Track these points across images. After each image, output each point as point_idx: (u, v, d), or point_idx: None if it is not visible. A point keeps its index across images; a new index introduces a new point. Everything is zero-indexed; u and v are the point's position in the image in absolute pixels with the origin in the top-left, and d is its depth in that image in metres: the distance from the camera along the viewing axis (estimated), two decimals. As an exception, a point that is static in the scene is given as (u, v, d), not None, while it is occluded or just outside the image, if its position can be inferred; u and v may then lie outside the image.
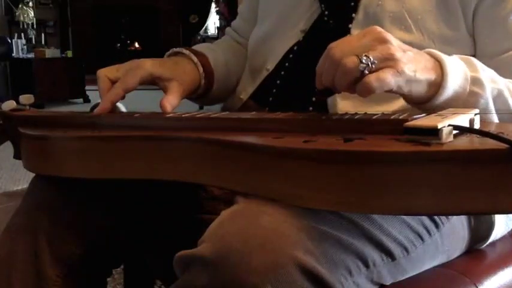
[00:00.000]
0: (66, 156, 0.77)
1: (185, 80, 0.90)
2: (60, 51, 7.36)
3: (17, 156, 0.88)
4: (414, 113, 0.65)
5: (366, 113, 0.70)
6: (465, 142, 0.55)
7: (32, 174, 0.86)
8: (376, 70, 0.62)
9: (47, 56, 6.83)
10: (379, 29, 0.66)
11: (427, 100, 0.68)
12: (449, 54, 0.76)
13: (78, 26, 8.38)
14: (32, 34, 7.75)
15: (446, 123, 0.55)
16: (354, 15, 0.86)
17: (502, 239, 0.90)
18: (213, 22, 9.43)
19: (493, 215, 0.84)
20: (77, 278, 0.81)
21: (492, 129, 0.57)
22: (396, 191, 0.52)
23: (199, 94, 0.96)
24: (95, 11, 8.46)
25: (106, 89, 0.85)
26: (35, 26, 7.84)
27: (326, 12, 0.90)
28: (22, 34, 7.55)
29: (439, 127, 0.53)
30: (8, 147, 0.90)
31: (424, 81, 0.66)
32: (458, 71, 0.69)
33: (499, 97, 0.71)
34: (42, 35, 8.04)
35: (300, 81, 0.85)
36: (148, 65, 0.87)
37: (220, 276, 0.57)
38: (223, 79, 0.99)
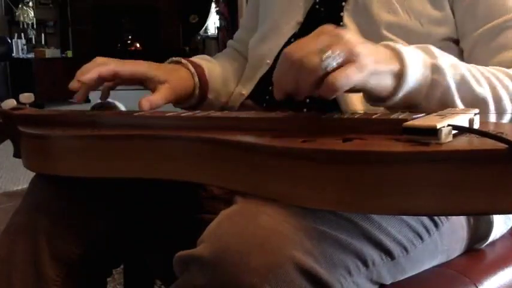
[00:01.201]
0: (65, 155, 0.77)
1: (178, 85, 0.92)
2: (60, 51, 7.37)
3: (16, 154, 0.88)
4: (414, 112, 0.65)
5: (365, 112, 0.70)
6: (464, 142, 0.55)
7: (32, 174, 0.86)
8: (338, 67, 0.60)
9: (47, 56, 6.84)
10: (331, 26, 0.63)
11: (391, 93, 0.66)
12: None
13: (78, 26, 8.37)
14: (32, 34, 7.75)
15: (445, 123, 0.55)
16: (344, 3, 0.88)
17: (502, 238, 0.90)
18: (213, 22, 9.42)
19: (492, 215, 0.84)
20: (77, 277, 0.81)
21: (491, 129, 0.56)
22: (395, 191, 0.52)
23: (193, 104, 0.98)
24: (95, 11, 8.45)
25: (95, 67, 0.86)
26: (35, 26, 7.84)
27: (317, 1, 0.92)
28: (22, 34, 7.55)
29: (438, 127, 0.53)
30: (8, 146, 0.90)
31: (387, 72, 0.65)
32: (417, 59, 0.67)
33: (462, 82, 0.70)
34: (42, 35, 8.04)
35: None
36: (145, 65, 0.90)
37: (219, 276, 0.57)
38: (219, 89, 1.01)
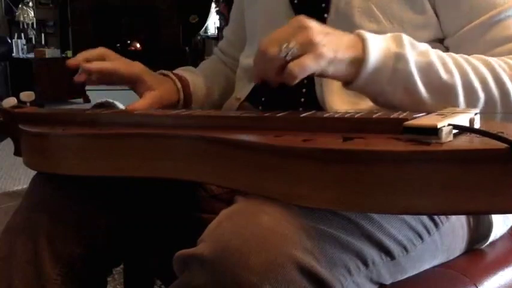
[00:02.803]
0: (65, 154, 0.77)
1: (165, 96, 0.95)
2: (60, 51, 7.36)
3: (17, 153, 0.88)
4: (414, 112, 0.65)
5: (366, 112, 0.70)
6: (465, 142, 0.55)
7: (32, 174, 0.86)
8: (298, 57, 0.66)
9: (47, 56, 6.83)
10: (301, 17, 0.69)
11: (353, 78, 0.70)
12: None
13: (78, 26, 8.37)
14: (32, 34, 7.74)
15: (446, 122, 0.55)
16: (326, 15, 0.88)
17: (502, 238, 0.90)
18: (213, 22, 9.43)
19: (491, 215, 0.84)
20: (77, 277, 0.81)
21: (492, 129, 0.56)
22: (395, 191, 0.52)
23: None
24: (95, 11, 8.45)
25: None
26: (35, 26, 7.83)
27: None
28: (22, 34, 7.54)
29: (438, 126, 0.53)
30: (8, 146, 0.90)
31: (346, 60, 0.69)
32: (380, 47, 0.70)
33: (428, 69, 0.71)
34: (42, 35, 8.03)
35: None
36: (141, 68, 0.93)
37: (219, 276, 0.57)
38: (202, 101, 1.04)
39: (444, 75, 0.71)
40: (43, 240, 0.80)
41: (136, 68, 0.92)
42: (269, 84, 0.70)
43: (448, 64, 0.72)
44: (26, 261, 0.80)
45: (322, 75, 0.70)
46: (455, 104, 0.72)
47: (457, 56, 0.74)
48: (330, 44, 0.67)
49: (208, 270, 0.58)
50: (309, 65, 0.66)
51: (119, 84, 0.92)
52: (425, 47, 0.73)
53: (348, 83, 0.72)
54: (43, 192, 0.84)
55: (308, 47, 0.66)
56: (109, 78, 0.90)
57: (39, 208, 0.82)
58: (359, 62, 0.69)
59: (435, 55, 0.72)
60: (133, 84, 0.92)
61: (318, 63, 0.66)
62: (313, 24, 0.68)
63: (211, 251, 0.58)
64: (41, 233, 0.80)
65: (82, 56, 0.89)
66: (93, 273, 0.85)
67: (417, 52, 0.71)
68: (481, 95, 0.72)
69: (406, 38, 0.72)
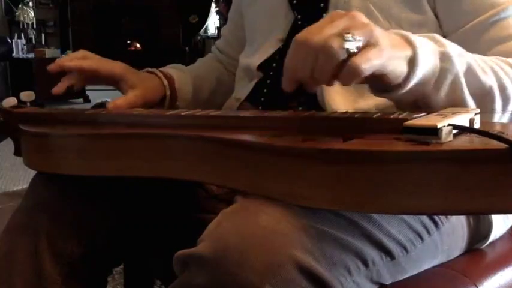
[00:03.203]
0: (65, 154, 0.77)
1: (148, 93, 0.95)
2: (60, 51, 7.36)
3: (17, 153, 0.88)
4: (414, 112, 0.65)
5: (366, 112, 0.70)
6: (465, 142, 0.55)
7: (32, 174, 0.86)
8: (358, 51, 0.58)
9: (47, 56, 6.83)
10: (342, 11, 0.61)
11: (405, 80, 0.64)
12: None
13: (78, 26, 8.37)
14: (32, 34, 7.74)
15: (445, 122, 0.55)
16: (324, 15, 0.87)
17: (502, 238, 0.90)
18: (213, 22, 9.43)
19: (491, 215, 0.84)
20: (78, 276, 0.81)
21: (492, 129, 0.56)
22: (395, 190, 0.52)
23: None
24: (95, 11, 8.45)
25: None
26: (35, 26, 7.83)
27: (299, 17, 0.92)
28: (22, 34, 7.54)
29: (438, 126, 0.53)
30: (8, 146, 0.90)
31: (402, 57, 0.63)
32: (426, 46, 0.66)
33: (468, 71, 0.69)
34: (42, 35, 8.03)
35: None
36: (123, 67, 0.93)
37: (219, 275, 0.57)
38: (189, 99, 1.04)
39: (482, 76, 0.70)
40: (43, 240, 0.80)
41: (117, 67, 0.93)
42: (305, 89, 0.62)
43: (481, 65, 0.71)
44: (26, 261, 0.80)
45: (381, 73, 0.61)
46: (492, 106, 0.71)
47: (483, 57, 0.73)
48: (386, 38, 0.61)
49: (208, 270, 0.58)
50: (375, 59, 0.58)
51: (102, 84, 0.94)
52: (458, 47, 0.71)
53: (393, 87, 0.65)
54: (43, 192, 0.84)
55: (370, 40, 0.58)
56: (91, 78, 0.92)
57: (39, 208, 0.82)
58: (412, 60, 0.64)
59: (470, 56, 0.71)
60: (116, 83, 0.93)
61: (381, 58, 0.59)
62: (363, 17, 0.60)
63: (211, 250, 0.58)
64: (41, 233, 0.80)
65: (62, 60, 0.90)
66: (93, 273, 0.85)
67: (457, 52, 0.69)
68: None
69: (442, 38, 0.70)
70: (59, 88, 0.89)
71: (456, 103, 0.68)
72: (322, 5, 0.88)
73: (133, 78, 0.93)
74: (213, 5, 8.93)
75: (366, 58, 0.57)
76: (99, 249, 0.84)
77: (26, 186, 0.87)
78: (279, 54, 0.93)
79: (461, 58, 0.69)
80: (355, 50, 0.57)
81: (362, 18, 0.60)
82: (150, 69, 1.01)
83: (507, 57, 0.76)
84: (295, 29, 0.92)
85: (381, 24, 0.82)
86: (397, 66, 0.63)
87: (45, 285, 0.79)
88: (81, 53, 0.92)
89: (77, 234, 0.81)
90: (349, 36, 0.57)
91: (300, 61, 0.59)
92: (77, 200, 0.83)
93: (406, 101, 0.68)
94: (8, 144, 0.91)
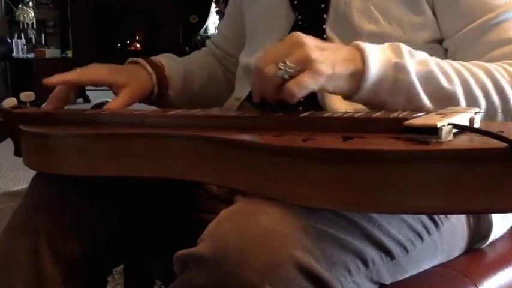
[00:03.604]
0: (65, 154, 0.77)
1: (139, 86, 0.95)
2: (60, 51, 7.37)
3: (17, 153, 0.88)
4: (414, 111, 0.65)
5: (366, 111, 0.70)
6: (465, 141, 0.55)
7: (32, 174, 0.86)
8: (297, 74, 0.65)
9: (47, 56, 6.84)
10: (296, 34, 0.68)
11: (354, 91, 0.69)
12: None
13: (78, 26, 8.37)
14: (32, 34, 7.75)
15: (445, 122, 0.55)
16: (325, 16, 0.88)
17: (502, 238, 0.90)
18: (213, 22, 9.42)
19: (491, 214, 0.84)
20: (77, 276, 0.81)
21: (492, 128, 0.56)
22: (395, 190, 0.52)
23: (154, 99, 1.00)
24: (95, 11, 8.45)
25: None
26: (35, 26, 7.84)
27: (300, 17, 0.92)
28: (22, 34, 7.55)
29: (438, 126, 0.53)
30: (8, 146, 0.90)
31: (345, 75, 0.68)
32: (379, 58, 0.69)
33: (429, 78, 0.71)
34: (42, 35, 8.04)
35: None
36: (105, 71, 0.93)
37: (219, 275, 0.57)
38: (180, 87, 1.03)
39: (445, 83, 0.71)
40: (43, 240, 0.80)
41: (97, 74, 0.93)
42: (269, 103, 0.69)
43: (448, 72, 0.72)
44: (26, 261, 0.80)
45: (322, 90, 0.69)
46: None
47: (457, 64, 0.74)
48: (327, 59, 0.66)
49: (208, 270, 0.58)
50: (307, 83, 0.65)
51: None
52: (424, 55, 0.73)
53: (348, 96, 0.71)
54: (43, 192, 0.84)
55: (305, 64, 0.65)
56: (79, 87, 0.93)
57: (39, 208, 0.82)
58: (359, 75, 0.68)
59: (434, 63, 0.72)
60: (105, 86, 0.94)
61: (317, 80, 0.65)
62: (309, 40, 0.67)
63: (211, 250, 0.58)
64: (41, 233, 0.80)
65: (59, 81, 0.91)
66: (93, 273, 0.85)
67: (417, 61, 0.71)
68: (482, 102, 0.72)
69: (404, 47, 0.71)
70: (48, 106, 0.91)
71: (417, 108, 0.70)
72: (322, 5, 0.88)
73: (120, 78, 0.93)
74: (213, 5, 8.92)
75: (298, 82, 0.65)
76: (99, 249, 0.84)
77: (26, 186, 0.87)
78: None
79: (422, 66, 0.71)
80: (287, 76, 0.65)
81: (305, 42, 0.66)
82: (134, 58, 1.00)
83: (508, 59, 0.76)
84: (295, 29, 0.92)
85: (382, 26, 0.82)
86: (338, 84, 0.68)
87: (45, 285, 0.79)
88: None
89: (77, 234, 0.81)
90: (282, 65, 0.65)
91: (254, 80, 0.70)
92: (77, 200, 0.83)
93: (370, 107, 0.72)
94: (8, 144, 0.91)
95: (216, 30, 9.18)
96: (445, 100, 0.70)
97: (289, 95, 0.65)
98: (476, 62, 0.76)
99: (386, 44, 0.72)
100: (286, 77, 0.65)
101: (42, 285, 0.79)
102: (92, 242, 0.82)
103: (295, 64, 0.65)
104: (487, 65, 0.75)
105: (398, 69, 0.69)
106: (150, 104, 1.02)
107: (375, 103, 0.71)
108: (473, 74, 0.73)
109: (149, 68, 0.98)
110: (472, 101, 0.72)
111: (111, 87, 0.93)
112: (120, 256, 0.91)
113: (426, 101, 0.70)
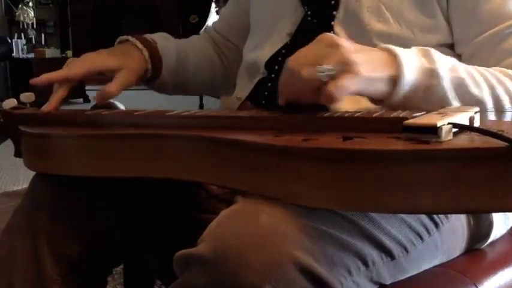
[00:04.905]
0: (66, 154, 0.77)
1: (133, 67, 0.94)
2: (60, 51, 7.37)
3: (17, 154, 0.88)
4: (414, 111, 0.65)
5: (366, 111, 0.70)
6: (465, 140, 0.55)
7: (32, 174, 0.86)
8: (336, 76, 0.64)
9: (47, 56, 6.84)
10: (329, 35, 0.68)
11: (388, 96, 0.69)
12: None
13: (78, 26, 8.38)
14: (32, 34, 7.75)
15: (445, 121, 0.55)
16: (335, 12, 0.87)
17: (502, 238, 0.90)
18: (212, 22, 9.43)
19: (491, 214, 0.84)
20: (77, 276, 0.81)
21: (492, 128, 0.56)
22: (395, 190, 0.52)
23: (149, 78, 0.98)
24: (95, 11, 8.47)
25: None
26: (35, 26, 7.84)
27: (309, 13, 0.91)
28: (22, 34, 7.55)
29: (438, 125, 0.53)
30: (8, 146, 0.90)
31: (382, 78, 0.68)
32: (413, 64, 0.69)
33: (459, 85, 0.71)
34: (42, 35, 8.04)
35: None
36: (94, 59, 0.92)
37: (219, 275, 0.57)
38: (174, 67, 1.02)
39: (475, 90, 0.72)
40: (43, 239, 0.80)
41: (89, 64, 0.91)
42: (298, 106, 0.68)
43: (476, 78, 0.72)
44: (26, 261, 0.79)
45: (360, 94, 0.68)
46: (485, 115, 0.72)
47: (482, 70, 0.74)
48: (366, 62, 0.65)
49: (209, 270, 0.58)
50: (348, 85, 0.64)
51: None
52: (452, 61, 0.73)
53: (381, 99, 0.70)
54: (43, 192, 0.84)
55: (345, 67, 0.64)
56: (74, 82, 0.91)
57: (39, 208, 0.82)
58: (394, 80, 0.68)
59: (463, 70, 0.72)
60: (100, 75, 0.92)
61: (356, 82, 0.65)
62: (344, 42, 0.66)
63: (211, 250, 0.58)
64: (41, 232, 0.80)
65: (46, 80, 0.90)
66: (93, 273, 0.85)
67: (448, 67, 0.71)
68: (509, 107, 0.73)
69: (435, 53, 0.71)
70: (48, 108, 0.89)
71: None
72: (333, 2, 0.88)
73: (110, 63, 0.91)
74: (213, 5, 8.92)
75: (339, 85, 0.63)
76: (99, 249, 0.83)
77: (26, 186, 0.87)
78: (286, 50, 0.92)
79: (453, 72, 0.71)
80: (327, 79, 0.64)
81: (341, 44, 0.65)
82: (124, 37, 0.99)
83: None
84: (304, 24, 0.92)
85: (391, 26, 0.82)
86: (375, 88, 0.68)
87: (45, 285, 0.79)
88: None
89: (77, 234, 0.81)
90: (321, 67, 0.63)
91: (286, 84, 0.69)
92: (76, 200, 0.83)
93: (400, 108, 0.71)
94: (8, 144, 0.91)
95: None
96: (473, 105, 0.70)
97: (329, 98, 0.64)
98: (497, 68, 0.77)
99: (415, 48, 0.72)
100: (326, 79, 0.64)
101: (42, 285, 0.79)
102: (92, 242, 0.82)
103: (335, 65, 0.64)
104: (506, 70, 0.76)
105: (432, 75, 0.70)
106: (146, 84, 1.00)
107: (407, 108, 0.70)
108: (498, 80, 0.74)
109: (139, 45, 0.96)
110: (499, 107, 0.73)
111: (105, 73, 0.91)
112: (120, 256, 0.91)
113: (456, 105, 0.71)
